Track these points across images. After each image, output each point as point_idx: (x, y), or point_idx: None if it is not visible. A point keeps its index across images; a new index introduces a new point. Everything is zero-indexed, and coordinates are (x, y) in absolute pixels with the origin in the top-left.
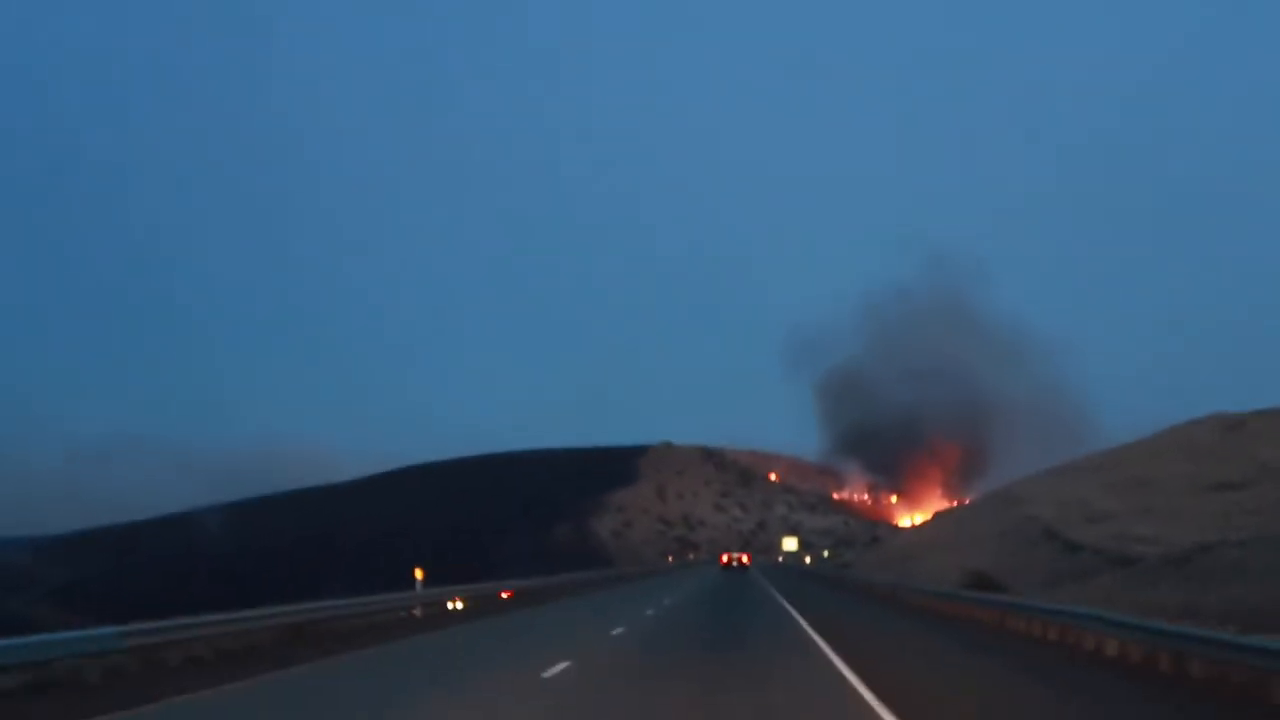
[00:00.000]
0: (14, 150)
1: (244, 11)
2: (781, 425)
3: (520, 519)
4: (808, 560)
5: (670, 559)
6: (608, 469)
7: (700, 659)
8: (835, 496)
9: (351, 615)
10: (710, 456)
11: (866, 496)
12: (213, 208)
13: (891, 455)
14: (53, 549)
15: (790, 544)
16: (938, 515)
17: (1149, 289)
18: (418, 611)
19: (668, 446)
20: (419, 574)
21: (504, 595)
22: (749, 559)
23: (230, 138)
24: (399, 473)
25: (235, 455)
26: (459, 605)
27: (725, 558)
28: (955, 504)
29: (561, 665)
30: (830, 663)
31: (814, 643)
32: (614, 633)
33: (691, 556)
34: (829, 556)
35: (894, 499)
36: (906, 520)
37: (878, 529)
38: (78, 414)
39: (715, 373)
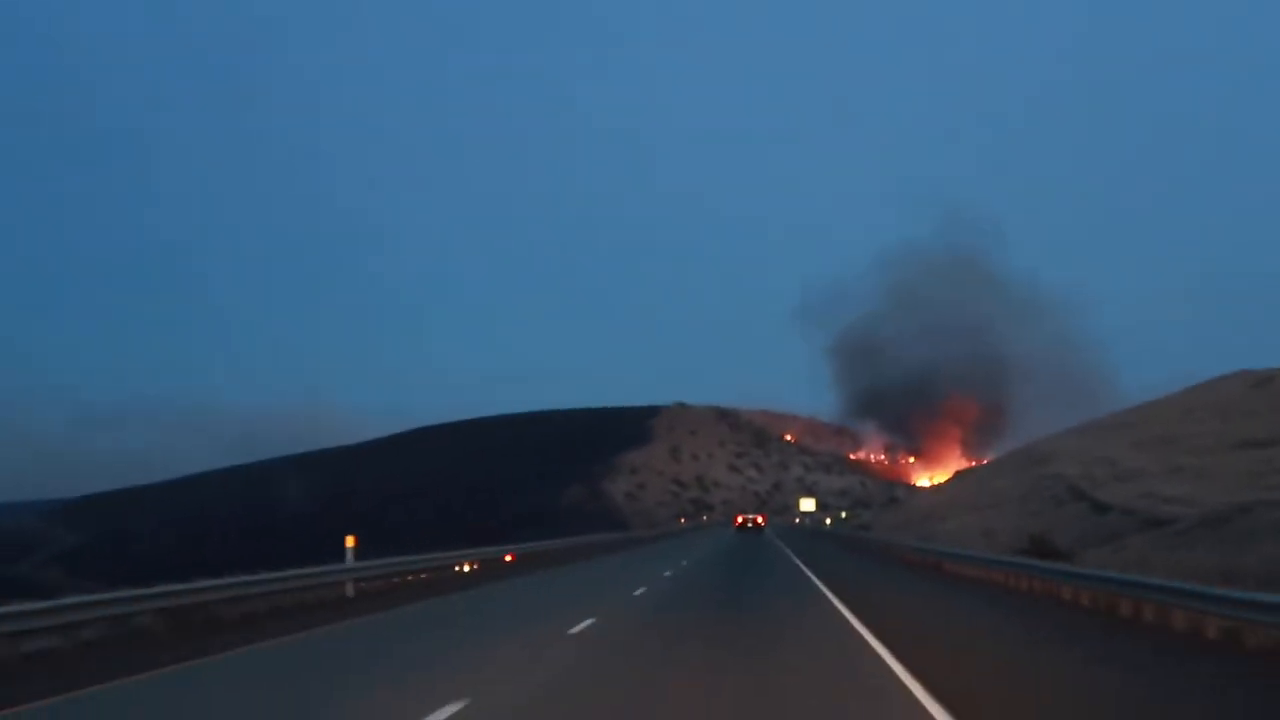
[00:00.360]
0: (30, 118)
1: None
2: (796, 385)
3: (534, 480)
4: (827, 521)
5: (682, 520)
6: (621, 430)
7: (704, 649)
8: (851, 457)
9: (259, 594)
10: (724, 417)
11: (883, 457)
12: (229, 180)
13: (908, 415)
14: (63, 512)
15: (807, 504)
16: (958, 475)
17: (1172, 245)
18: (349, 589)
19: (681, 407)
20: (350, 541)
21: (508, 559)
22: (764, 520)
23: (246, 109)
24: (414, 433)
25: (253, 417)
26: (423, 576)
27: (740, 519)
28: (975, 463)
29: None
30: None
31: (864, 639)
32: (573, 631)
33: (705, 518)
34: (846, 518)
35: (911, 459)
36: (924, 480)
37: (895, 489)
38: (92, 379)
39: (729, 333)
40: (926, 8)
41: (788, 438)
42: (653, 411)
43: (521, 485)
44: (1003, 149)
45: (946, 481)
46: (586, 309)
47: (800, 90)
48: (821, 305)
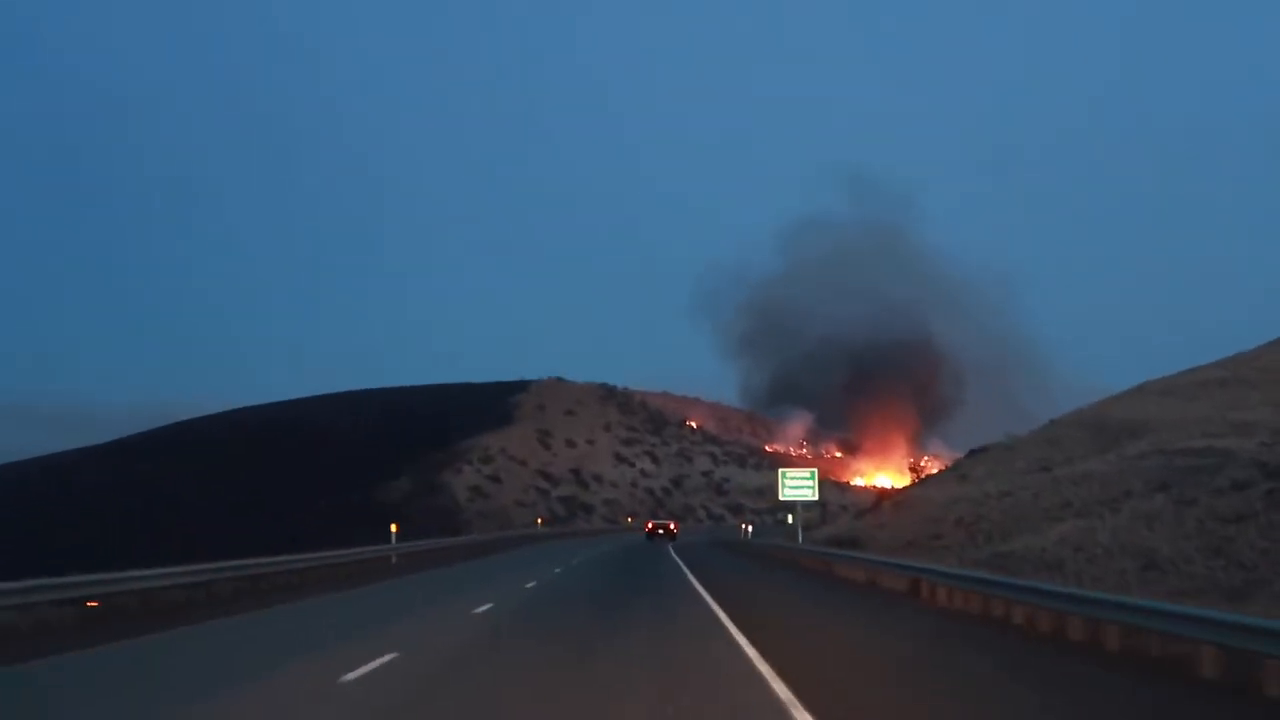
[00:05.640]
0: None
1: None
2: (701, 371)
3: (342, 476)
4: (747, 529)
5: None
6: (475, 410)
7: None
8: (767, 449)
9: None
10: (612, 395)
11: (805, 450)
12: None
13: (833, 399)
14: None
15: (799, 486)
16: (973, 455)
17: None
18: None
19: (557, 382)
20: None
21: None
22: (676, 528)
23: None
24: (187, 425)
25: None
26: None
27: (651, 525)
28: (937, 453)
29: None
30: None
31: None
32: None
33: (540, 521)
34: (791, 522)
35: (839, 453)
36: (859, 479)
37: (826, 489)
38: None
39: (621, 313)
40: None
41: (691, 424)
42: (519, 387)
43: (323, 483)
44: (929, 122)
45: (951, 467)
46: (442, 278)
47: (704, 55)
48: (727, 282)
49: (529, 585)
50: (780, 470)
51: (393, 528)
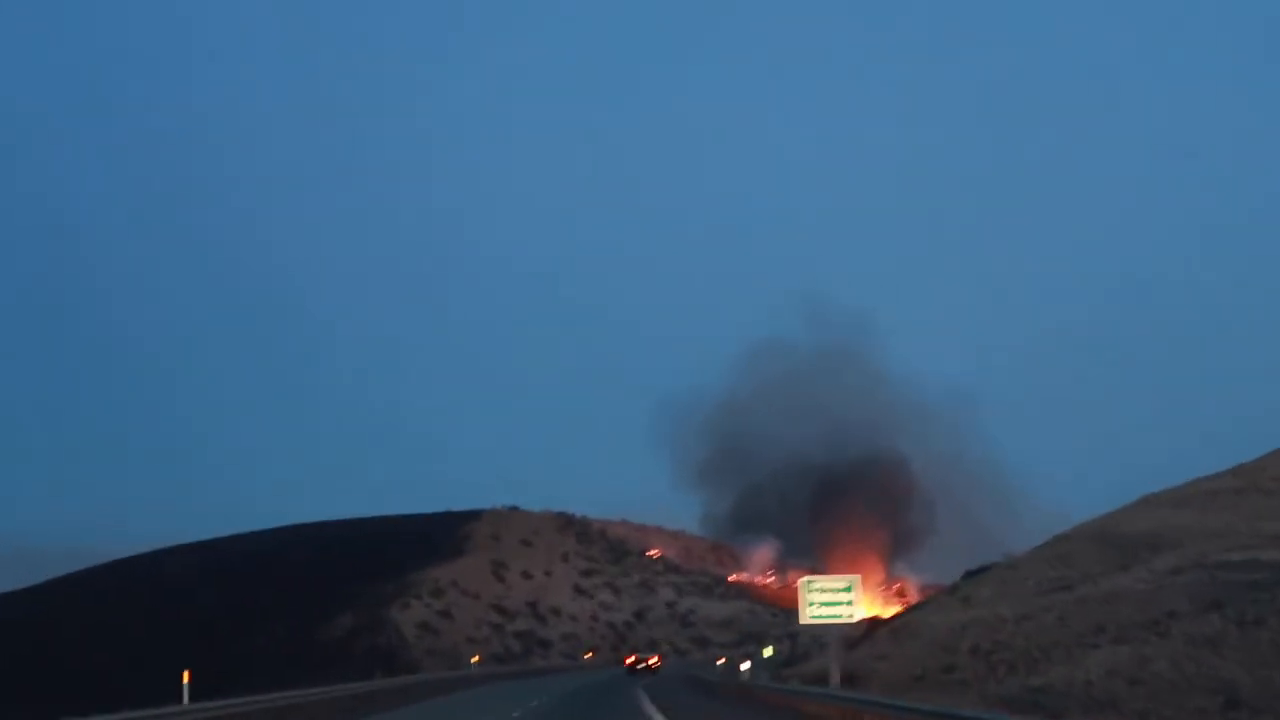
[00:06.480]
0: None
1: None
2: (663, 500)
3: (282, 613)
4: (744, 669)
5: None
6: (425, 541)
7: None
8: (732, 579)
9: None
10: (570, 525)
11: (771, 578)
12: None
13: (799, 525)
14: None
15: (834, 603)
16: (970, 577)
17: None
18: None
19: (512, 511)
20: None
21: None
22: (659, 662)
23: None
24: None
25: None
26: None
27: (632, 658)
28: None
29: None
30: None
31: None
32: None
33: (475, 660)
34: (770, 655)
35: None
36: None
37: (791, 618)
38: None
39: (578, 440)
40: (799, 81)
41: (653, 553)
42: (472, 516)
43: (263, 617)
44: (887, 242)
45: (942, 595)
46: (392, 404)
47: (658, 179)
48: (687, 407)
49: None
50: (803, 580)
51: (184, 677)
